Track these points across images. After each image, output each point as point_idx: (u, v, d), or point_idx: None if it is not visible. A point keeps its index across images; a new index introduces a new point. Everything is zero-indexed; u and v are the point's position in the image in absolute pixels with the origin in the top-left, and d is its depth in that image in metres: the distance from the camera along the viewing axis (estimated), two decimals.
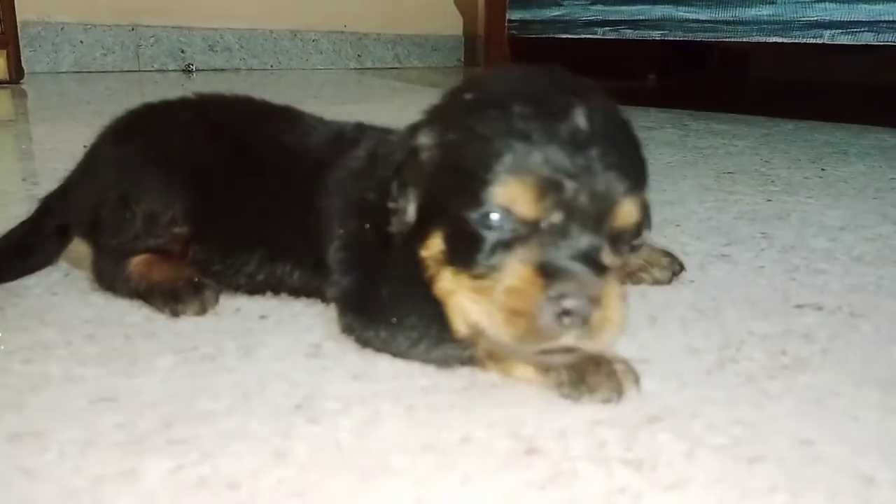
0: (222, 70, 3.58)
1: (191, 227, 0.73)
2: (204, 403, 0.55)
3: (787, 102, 3.29)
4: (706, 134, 2.08)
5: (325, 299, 0.71)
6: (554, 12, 2.68)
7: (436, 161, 0.57)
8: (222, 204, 0.73)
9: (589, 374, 0.55)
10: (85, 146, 0.81)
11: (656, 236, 1.01)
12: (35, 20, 3.00)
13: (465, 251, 0.55)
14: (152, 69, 3.39)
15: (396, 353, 0.62)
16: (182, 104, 0.80)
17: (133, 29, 3.31)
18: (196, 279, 0.71)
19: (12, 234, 0.79)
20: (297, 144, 0.74)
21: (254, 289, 0.74)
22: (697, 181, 1.42)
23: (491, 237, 0.53)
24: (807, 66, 3.78)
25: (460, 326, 0.58)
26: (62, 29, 3.13)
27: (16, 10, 2.70)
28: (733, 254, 0.96)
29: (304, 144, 0.74)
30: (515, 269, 0.53)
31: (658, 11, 2.49)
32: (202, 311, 0.70)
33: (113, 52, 3.27)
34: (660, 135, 2.07)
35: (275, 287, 0.73)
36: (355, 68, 4.05)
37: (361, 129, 0.77)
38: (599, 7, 2.59)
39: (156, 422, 0.52)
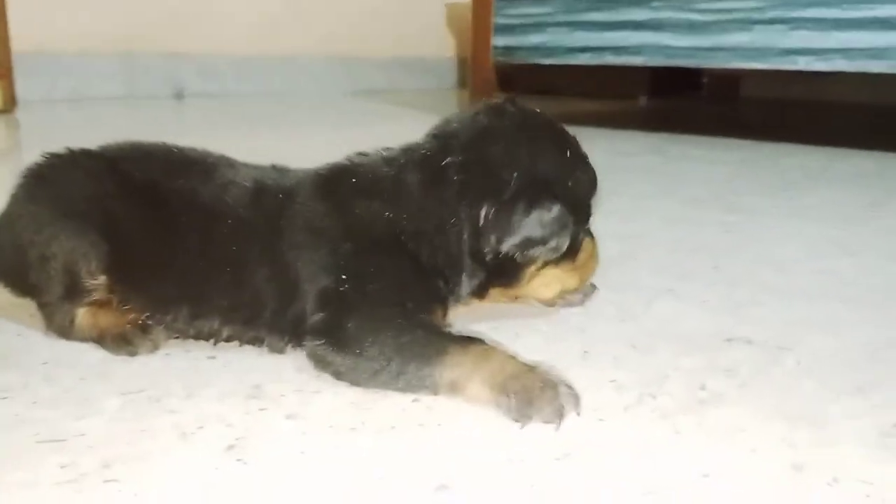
0: (215, 96, 3.65)
1: (111, 278, 0.75)
2: (143, 444, 0.58)
3: (774, 124, 3.33)
4: (683, 160, 2.12)
5: (268, 346, 0.75)
6: (537, 39, 2.74)
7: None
8: (142, 258, 0.75)
9: (535, 398, 0.62)
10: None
11: (612, 271, 1.05)
12: (30, 50, 3.06)
13: (571, 251, 0.82)
14: (145, 95, 3.45)
15: (369, 381, 0.68)
16: (90, 154, 0.81)
17: (126, 56, 3.38)
18: (141, 321, 0.75)
19: None
20: (219, 199, 0.76)
21: (187, 338, 0.77)
22: (664, 212, 1.46)
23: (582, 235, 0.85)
24: (799, 85, 3.83)
25: (549, 298, 0.86)
26: (56, 58, 3.19)
27: (11, 40, 2.77)
28: (681, 288, 1.00)
29: (228, 199, 0.77)
30: (587, 243, 0.86)
31: (640, 38, 2.55)
32: (154, 348, 0.75)
33: (107, 79, 3.34)
34: (639, 162, 2.11)
35: (206, 338, 0.76)
36: (348, 92, 4.11)
37: (287, 175, 0.81)
38: (582, 34, 2.65)
39: (96, 463, 0.56)
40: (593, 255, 0.88)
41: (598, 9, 2.62)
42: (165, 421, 0.62)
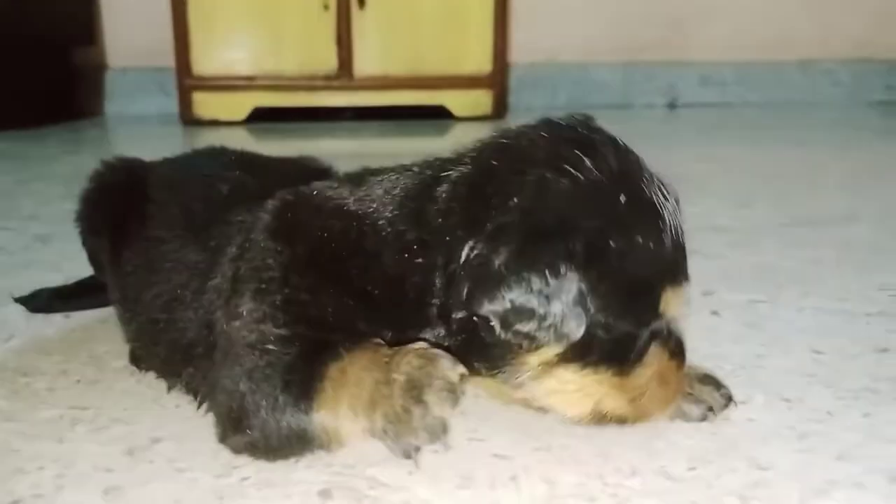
0: (714, 105, 3.41)
1: None
2: None
3: None
4: None
5: None
6: None
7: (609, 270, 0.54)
8: None
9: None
10: None
11: None
12: (529, 61, 3.27)
13: (615, 353, 0.55)
14: (642, 105, 3.41)
15: None
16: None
17: (625, 66, 3.38)
18: None
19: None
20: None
21: None
22: None
23: (644, 337, 0.56)
24: None
25: (576, 416, 0.57)
26: (555, 68, 3.35)
27: (510, 52, 3.03)
28: None
29: None
30: (660, 357, 0.57)
31: None
32: None
33: (604, 88, 3.39)
34: None
35: None
36: (883, 101, 3.42)
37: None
38: None
39: None
40: (668, 379, 0.57)
41: None
42: None
